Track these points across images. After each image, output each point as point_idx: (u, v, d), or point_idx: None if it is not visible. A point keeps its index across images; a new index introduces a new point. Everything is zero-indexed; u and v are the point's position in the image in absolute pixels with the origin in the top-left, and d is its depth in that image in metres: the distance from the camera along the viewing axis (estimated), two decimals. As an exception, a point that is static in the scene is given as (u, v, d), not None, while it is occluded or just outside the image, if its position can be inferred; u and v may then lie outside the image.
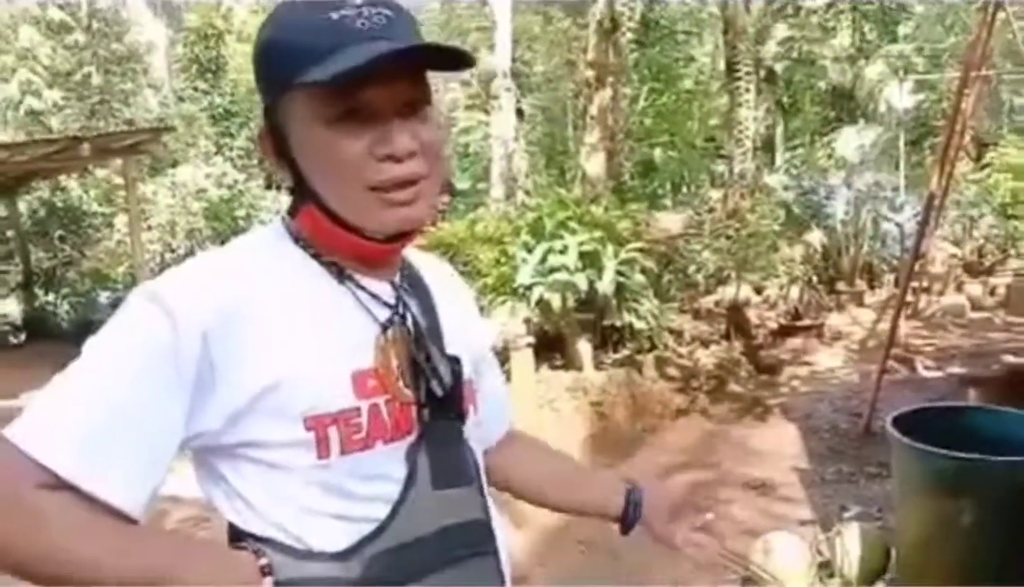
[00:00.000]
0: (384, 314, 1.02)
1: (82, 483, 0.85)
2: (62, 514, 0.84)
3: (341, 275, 1.01)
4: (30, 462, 0.84)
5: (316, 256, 1.01)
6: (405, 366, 1.01)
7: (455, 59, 0.98)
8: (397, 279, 1.07)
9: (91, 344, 0.91)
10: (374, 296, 1.02)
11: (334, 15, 0.92)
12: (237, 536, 0.97)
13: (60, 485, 0.84)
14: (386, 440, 0.98)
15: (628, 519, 1.29)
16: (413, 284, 1.09)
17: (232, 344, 0.90)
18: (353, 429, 0.95)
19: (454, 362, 1.05)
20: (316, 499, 0.95)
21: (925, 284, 9.46)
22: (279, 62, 0.95)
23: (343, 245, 0.99)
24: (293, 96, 0.94)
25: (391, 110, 0.95)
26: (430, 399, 1.01)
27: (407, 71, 0.95)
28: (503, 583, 1.10)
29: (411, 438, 1.00)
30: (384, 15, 0.94)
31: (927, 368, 7.24)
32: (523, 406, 5.87)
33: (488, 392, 1.17)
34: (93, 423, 0.86)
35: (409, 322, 1.04)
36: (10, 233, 13.85)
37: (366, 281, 1.02)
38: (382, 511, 0.97)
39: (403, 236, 1.01)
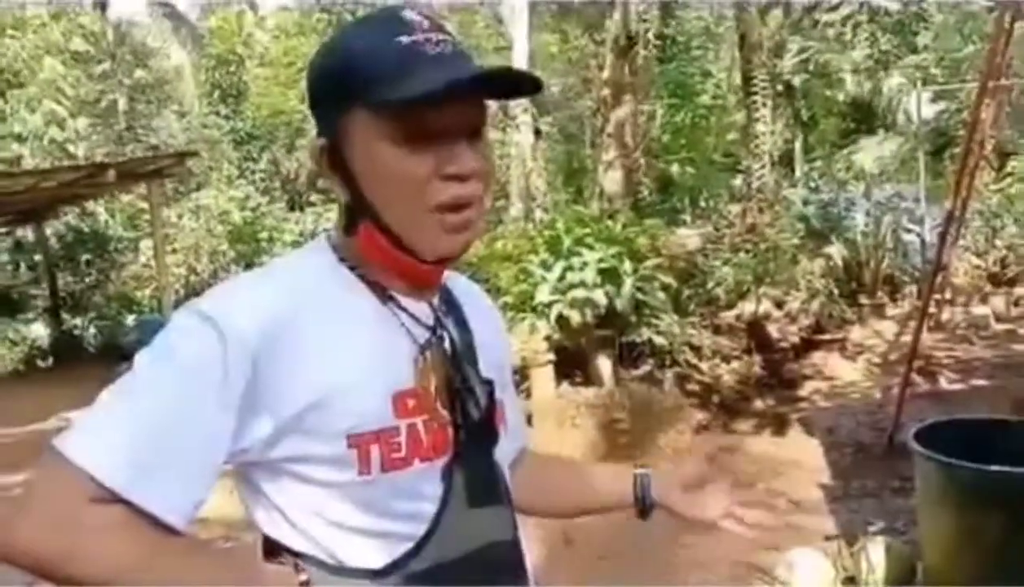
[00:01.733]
0: (423, 335, 1.04)
1: (132, 496, 0.87)
2: (112, 527, 0.87)
3: (384, 296, 1.03)
4: (83, 476, 0.87)
5: (361, 277, 1.03)
6: (442, 387, 1.04)
7: (522, 85, 1.02)
8: (436, 301, 1.09)
9: (141, 360, 0.94)
10: (414, 317, 1.04)
11: (405, 39, 0.95)
12: (274, 551, 0.99)
13: (110, 499, 0.87)
14: (423, 459, 1.00)
15: (641, 504, 1.28)
16: (450, 306, 1.12)
17: (278, 363, 0.93)
18: (393, 447, 0.97)
19: (488, 384, 1.08)
20: (355, 515, 0.97)
21: (948, 295, 9.38)
22: (350, 80, 0.96)
23: (394, 263, 1.02)
24: (360, 114, 0.96)
25: (457, 131, 0.97)
26: (466, 420, 1.04)
27: (476, 96, 0.99)
28: None
29: (446, 458, 1.02)
30: (450, 43, 0.98)
31: (951, 380, 7.18)
32: (544, 423, 5.88)
33: (509, 407, 1.19)
34: (143, 441, 0.89)
35: (447, 344, 1.06)
36: (38, 258, 14.10)
37: (407, 302, 1.04)
38: (419, 529, 0.99)
39: (451, 258, 1.03)
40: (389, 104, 0.93)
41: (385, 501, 0.98)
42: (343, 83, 0.97)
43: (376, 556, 0.98)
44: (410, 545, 0.99)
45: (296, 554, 0.98)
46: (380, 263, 1.03)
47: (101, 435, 0.90)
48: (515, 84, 1.02)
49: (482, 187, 1.01)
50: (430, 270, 1.04)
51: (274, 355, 0.93)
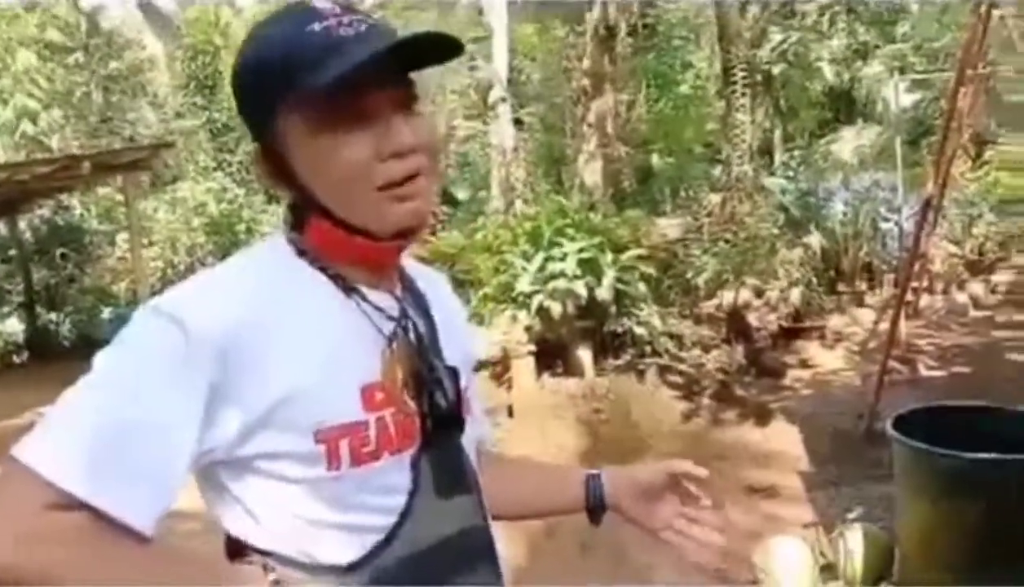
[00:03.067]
0: (388, 327, 1.02)
1: (96, 502, 0.83)
2: (76, 535, 0.83)
3: (347, 288, 1.01)
4: (43, 482, 0.82)
5: (322, 269, 1.01)
6: (408, 378, 1.02)
7: (444, 49, 0.98)
8: (399, 291, 1.08)
9: (101, 359, 0.90)
10: (379, 309, 1.02)
11: (316, 26, 0.93)
12: (239, 551, 0.97)
13: (72, 505, 0.83)
14: (392, 451, 0.99)
15: (592, 507, 1.26)
16: (414, 296, 1.11)
17: (243, 359, 0.90)
18: (362, 441, 0.96)
19: (454, 373, 1.07)
20: (324, 511, 0.95)
21: (926, 283, 9.44)
22: (266, 82, 0.95)
23: (351, 250, 1.00)
24: (289, 111, 0.95)
25: (389, 108, 0.96)
26: (432, 410, 1.03)
27: (399, 70, 0.97)
28: None
29: (414, 449, 1.01)
30: (364, 22, 0.95)
31: (929, 368, 7.23)
32: (525, 414, 5.88)
33: (472, 395, 1.18)
34: (106, 441, 0.85)
35: (412, 335, 1.05)
36: (12, 252, 13.89)
37: (371, 294, 1.02)
38: (389, 521, 0.98)
39: (408, 233, 1.01)
40: (312, 91, 0.91)
41: (355, 495, 0.96)
42: (263, 84, 0.96)
43: (346, 551, 0.96)
44: (380, 538, 0.98)
45: (263, 553, 0.96)
46: (336, 253, 1.01)
47: (61, 439, 0.85)
48: (436, 50, 0.98)
49: (426, 160, 0.99)
50: (389, 248, 1.02)
51: (238, 353, 0.90)
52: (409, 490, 1.00)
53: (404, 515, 0.99)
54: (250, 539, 0.97)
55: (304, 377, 0.93)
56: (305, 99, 0.93)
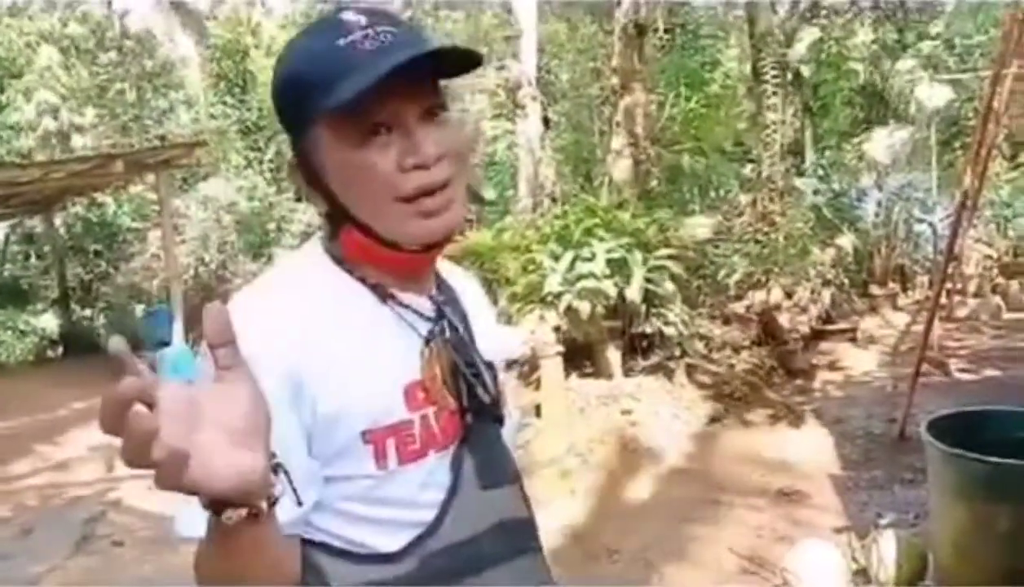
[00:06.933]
0: (425, 327, 1.05)
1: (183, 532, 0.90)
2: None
3: (383, 295, 1.03)
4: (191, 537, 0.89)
5: (360, 279, 1.03)
6: (448, 375, 1.04)
7: (461, 61, 0.99)
8: (433, 291, 1.10)
9: None
10: (415, 311, 1.05)
11: (341, 41, 0.95)
12: None
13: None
14: (438, 449, 1.02)
15: None
16: (447, 296, 1.12)
17: (302, 371, 0.94)
18: (408, 440, 0.99)
19: (491, 367, 1.10)
20: (371, 507, 0.98)
21: (959, 286, 9.33)
22: (296, 97, 0.98)
23: (382, 260, 1.02)
24: (316, 126, 0.97)
25: (412, 120, 0.97)
26: (473, 404, 1.05)
27: (419, 81, 0.97)
28: (551, 578, 1.14)
29: (456, 443, 1.04)
30: (390, 32, 0.96)
31: (962, 371, 7.14)
32: (553, 414, 5.87)
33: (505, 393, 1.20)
34: None
35: (448, 333, 1.07)
36: (47, 249, 14.11)
37: (407, 298, 1.05)
38: (432, 514, 1.01)
39: (436, 246, 1.03)
40: (330, 110, 0.93)
41: (402, 492, 0.99)
42: (294, 99, 0.99)
43: (390, 541, 0.99)
44: (424, 529, 1.00)
45: (313, 545, 0.98)
46: (369, 261, 1.03)
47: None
48: (457, 59, 0.99)
49: (452, 168, 1.00)
50: (419, 259, 1.04)
51: (299, 378, 0.94)
52: (451, 483, 1.02)
53: (447, 504, 1.01)
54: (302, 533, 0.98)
55: (353, 386, 0.96)
56: (328, 115, 0.95)
